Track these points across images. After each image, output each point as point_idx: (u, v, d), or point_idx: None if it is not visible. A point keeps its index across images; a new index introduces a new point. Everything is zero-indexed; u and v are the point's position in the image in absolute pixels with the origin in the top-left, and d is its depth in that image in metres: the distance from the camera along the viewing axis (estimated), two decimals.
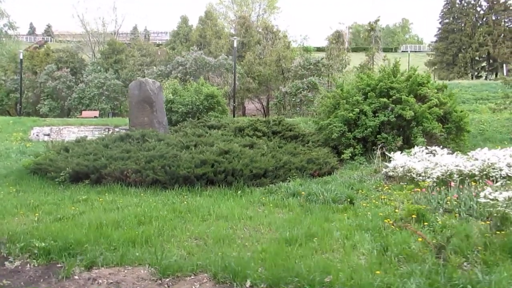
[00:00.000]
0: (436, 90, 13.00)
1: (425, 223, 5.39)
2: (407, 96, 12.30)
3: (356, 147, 12.36)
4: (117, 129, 20.58)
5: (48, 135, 21.22)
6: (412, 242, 4.80)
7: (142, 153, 10.13)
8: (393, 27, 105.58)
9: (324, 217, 6.41)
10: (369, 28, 34.31)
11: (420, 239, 4.68)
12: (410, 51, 68.86)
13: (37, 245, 5.10)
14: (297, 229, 5.74)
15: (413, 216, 5.48)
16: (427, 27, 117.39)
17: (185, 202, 7.69)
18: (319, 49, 38.40)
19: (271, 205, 7.39)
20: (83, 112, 30.58)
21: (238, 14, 42.82)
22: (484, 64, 52.24)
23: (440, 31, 55.41)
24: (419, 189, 7.28)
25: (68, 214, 6.86)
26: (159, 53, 34.69)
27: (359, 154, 12.27)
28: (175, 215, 6.81)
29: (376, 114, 12.51)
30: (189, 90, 18.67)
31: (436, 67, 53.53)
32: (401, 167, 8.53)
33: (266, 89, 30.65)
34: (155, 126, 14.65)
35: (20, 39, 53.04)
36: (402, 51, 78.28)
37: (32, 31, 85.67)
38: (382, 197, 7.47)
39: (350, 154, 12.03)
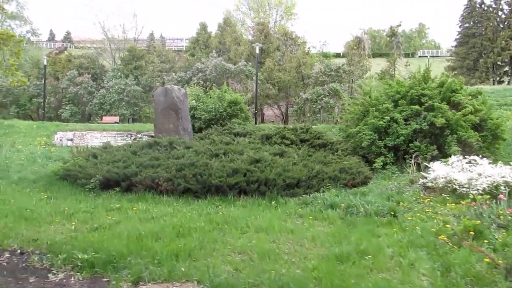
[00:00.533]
0: (470, 97, 12.61)
1: (485, 241, 5.08)
2: (440, 103, 11.95)
3: (387, 156, 12.03)
4: (139, 135, 20.64)
5: (71, 140, 21.38)
6: (475, 261, 4.51)
7: (172, 161, 10.00)
8: (409, 32, 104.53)
9: (370, 231, 6.14)
10: (390, 33, 33.85)
11: (487, 260, 4.38)
12: (424, 56, 68.03)
13: (80, 257, 4.96)
14: (345, 245, 5.50)
15: (471, 232, 5.17)
16: (444, 32, 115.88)
17: (221, 213, 7.50)
18: (337, 55, 38.06)
19: (310, 217, 7.15)
20: (103, 117, 30.81)
21: (256, 20, 42.80)
22: (506, 68, 51.14)
23: (460, 35, 54.58)
24: (464, 202, 6.96)
25: (104, 223, 6.73)
26: (177, 59, 34.82)
27: (390, 163, 11.92)
28: (212, 226, 6.62)
29: (408, 122, 12.17)
30: (212, 97, 18.58)
31: (456, 72, 52.48)
32: (443, 178, 8.20)
33: (285, 95, 30.44)
34: (181, 133, 14.57)
35: (40, 45, 54.01)
36: (419, 56, 77.26)
37: (51, 38, 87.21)
38: (426, 210, 7.17)
39: (381, 163, 11.70)
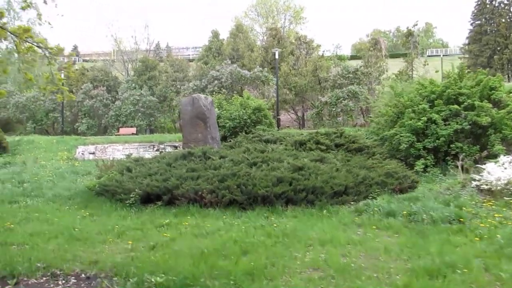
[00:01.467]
0: (511, 94, 12.23)
1: None
2: (480, 102, 11.58)
3: (427, 158, 11.69)
4: (161, 146, 20.45)
5: (93, 153, 21.25)
6: None
7: (211, 171, 9.73)
8: (416, 31, 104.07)
9: (445, 241, 5.80)
10: (407, 33, 33.45)
11: None
12: (436, 55, 67.29)
13: (153, 280, 4.68)
14: (426, 257, 5.17)
15: None
16: (450, 31, 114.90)
17: (275, 225, 7.20)
18: (352, 57, 37.69)
19: (374, 227, 6.82)
20: (120, 129, 30.71)
21: (266, 26, 42.67)
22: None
23: (472, 33, 53.96)
24: None
25: (160, 241, 6.47)
26: (190, 68, 34.73)
27: (431, 166, 11.58)
28: (273, 240, 6.33)
29: (447, 122, 11.82)
30: (234, 104, 18.34)
31: (469, 70, 51.78)
32: (504, 179, 7.83)
33: (301, 99, 30.15)
34: (209, 142, 14.31)
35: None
36: (428, 56, 76.60)
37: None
38: (495, 215, 6.80)
39: (422, 166, 11.35)
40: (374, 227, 6.85)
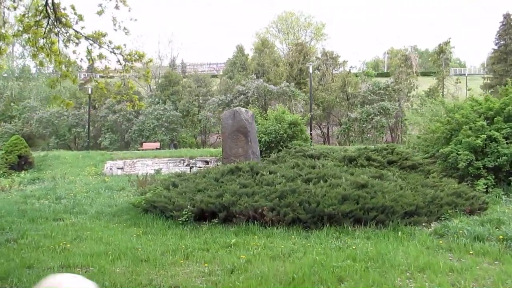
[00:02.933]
0: None
1: None
2: None
3: (488, 177, 11.02)
4: (192, 161, 20.02)
5: (122, 168, 20.92)
6: None
7: (267, 187, 9.21)
8: (433, 51, 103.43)
9: None
10: (438, 50, 32.95)
11: None
12: (454, 74, 66.42)
13: None
14: None
15: None
16: (467, 51, 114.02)
17: (353, 247, 6.62)
18: (379, 74, 37.20)
19: (467, 252, 6.19)
20: (143, 144, 30.48)
21: (287, 42, 42.57)
22: None
23: (497, 52, 53.15)
24: None
25: (235, 263, 5.93)
26: (213, 83, 34.60)
27: (492, 186, 10.91)
28: (361, 265, 5.74)
29: (509, 140, 11.18)
30: (269, 119, 17.90)
31: (492, 90, 50.95)
32: None
33: (328, 115, 29.64)
34: (250, 157, 13.87)
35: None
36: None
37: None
38: None
39: (485, 186, 10.68)
40: (467, 252, 6.22)
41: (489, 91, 51.25)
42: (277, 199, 8.59)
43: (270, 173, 10.47)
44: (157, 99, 33.26)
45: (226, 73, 34.01)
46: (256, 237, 7.46)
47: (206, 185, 10.06)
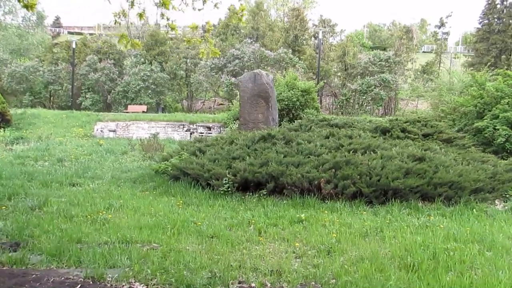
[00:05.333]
0: None
1: None
2: None
3: None
4: (193, 126, 18.86)
5: (114, 131, 19.51)
6: None
7: (314, 158, 8.39)
8: (411, 27, 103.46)
9: None
10: (439, 24, 32.42)
11: None
12: (430, 51, 66.77)
13: None
14: None
15: None
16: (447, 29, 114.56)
17: (440, 226, 5.96)
18: (376, 47, 36.40)
19: None
20: (129, 106, 28.71)
21: (282, 9, 40.82)
22: None
23: (480, 31, 53.47)
24: None
25: (325, 242, 5.15)
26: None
27: None
28: (471, 248, 5.07)
29: None
30: (279, 85, 16.88)
31: (472, 68, 51.60)
32: None
33: (324, 85, 28.81)
34: (270, 124, 12.96)
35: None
36: (423, 52, 76.41)
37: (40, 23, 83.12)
38: None
39: None
40: None
41: (470, 69, 52.16)
42: (331, 170, 7.81)
43: (307, 141, 9.65)
44: (142, 59, 31.25)
45: (218, 36, 32.27)
46: (325, 212, 6.67)
47: (240, 152, 9.12)
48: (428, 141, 10.95)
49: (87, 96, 30.14)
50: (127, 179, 9.48)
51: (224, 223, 6.08)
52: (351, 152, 8.82)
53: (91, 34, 45.17)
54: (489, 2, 53.56)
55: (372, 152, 8.72)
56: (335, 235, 5.36)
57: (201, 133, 18.28)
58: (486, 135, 11.25)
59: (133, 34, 35.80)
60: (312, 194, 7.50)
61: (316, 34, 29.84)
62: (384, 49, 29.05)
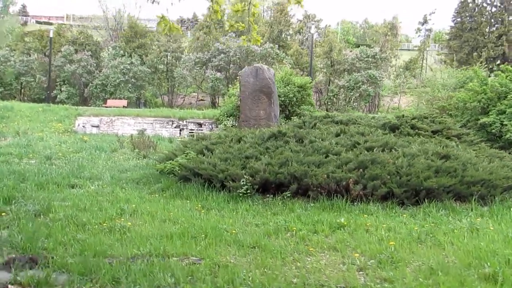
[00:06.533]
0: None
1: None
2: None
3: None
4: (183, 122, 18.06)
5: (97, 126, 18.45)
6: None
7: (333, 156, 7.93)
8: (381, 25, 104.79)
9: None
10: (422, 21, 32.67)
11: None
12: (400, 49, 68.04)
13: None
14: None
15: None
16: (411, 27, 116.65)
17: (491, 228, 5.60)
18: (358, 45, 36.29)
19: None
20: (108, 101, 27.46)
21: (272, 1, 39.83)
22: (498, 62, 52.00)
23: (453, 29, 54.72)
24: None
25: (382, 251, 4.66)
26: (184, 39, 31.86)
27: None
28: None
29: None
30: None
31: (445, 64, 52.82)
32: None
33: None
34: (272, 121, 12.44)
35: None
36: (400, 49, 77.50)
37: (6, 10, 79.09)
38: None
39: None
40: None
41: (444, 66, 53.38)
42: (358, 170, 7.36)
43: (318, 140, 9.18)
44: (121, 52, 29.94)
45: (201, 29, 31.30)
46: (364, 215, 6.20)
47: (253, 151, 8.55)
48: (438, 138, 10.71)
49: (62, 89, 28.64)
50: (128, 180, 8.72)
51: (258, 230, 5.51)
52: (368, 150, 8.43)
53: (60, 24, 43.17)
54: (462, 1, 55.05)
55: (391, 150, 8.34)
56: (393, 243, 4.88)
57: (192, 129, 17.51)
58: (493, 130, 11.14)
59: (111, 25, 34.38)
60: (340, 196, 7.02)
61: (301, 30, 29.46)
62: (368, 46, 28.95)
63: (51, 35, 25.99)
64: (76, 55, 28.89)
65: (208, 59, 26.71)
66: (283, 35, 30.17)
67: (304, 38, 29.60)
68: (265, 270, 4.18)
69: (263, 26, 30.73)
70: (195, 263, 4.31)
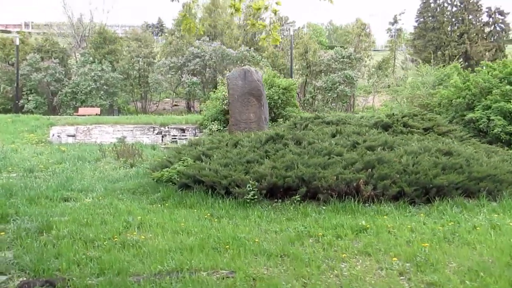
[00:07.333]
0: None
1: None
2: None
3: None
4: (165, 129, 17.54)
5: (73, 136, 17.64)
6: None
7: (337, 158, 7.81)
8: (346, 27, 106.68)
9: None
10: (392, 21, 33.34)
11: None
12: (374, 50, 69.60)
13: None
14: None
15: None
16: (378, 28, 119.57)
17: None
18: (331, 47, 36.69)
19: None
20: (79, 109, 26.40)
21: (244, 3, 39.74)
22: (460, 61, 53.98)
23: (417, 29, 56.45)
24: None
25: (416, 254, 4.52)
26: (155, 44, 31.18)
27: None
28: None
29: None
30: None
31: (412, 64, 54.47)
32: None
33: None
34: (263, 123, 12.28)
35: None
36: None
37: None
38: None
39: None
40: None
41: (415, 65, 54.99)
42: (366, 170, 7.25)
43: (311, 142, 9.05)
44: (91, 58, 28.90)
45: (172, 33, 30.72)
46: (384, 216, 6.07)
47: (254, 155, 8.30)
48: (430, 134, 10.83)
49: (29, 98, 27.25)
50: (123, 190, 8.28)
51: (279, 238, 5.28)
52: (369, 149, 8.37)
53: (18, 32, 41.36)
54: (424, 1, 56.98)
55: (391, 149, 8.32)
56: (426, 245, 4.75)
57: (174, 135, 17.04)
58: (480, 126, 11.38)
59: (77, 32, 33.21)
60: (351, 198, 6.88)
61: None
62: (342, 47, 29.30)
63: (17, 42, 24.79)
64: (43, 63, 27.63)
65: (183, 63, 26.23)
66: (256, 38, 30.04)
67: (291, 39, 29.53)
68: (305, 280, 3.96)
69: (236, 29, 30.59)
70: (228, 277, 4.03)
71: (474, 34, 51.72)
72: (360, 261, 4.51)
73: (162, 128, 17.39)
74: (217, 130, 14.88)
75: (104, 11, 38.63)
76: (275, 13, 4.53)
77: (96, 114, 25.43)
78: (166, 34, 33.25)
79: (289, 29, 23.16)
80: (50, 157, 13.08)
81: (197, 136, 16.15)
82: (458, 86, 12.75)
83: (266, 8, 4.48)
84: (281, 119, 15.24)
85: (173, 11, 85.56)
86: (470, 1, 53.19)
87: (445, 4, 55.23)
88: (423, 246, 4.71)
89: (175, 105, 33.50)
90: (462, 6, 54.20)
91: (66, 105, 27.64)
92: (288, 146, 8.73)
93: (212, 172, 7.75)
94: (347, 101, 24.45)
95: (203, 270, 4.21)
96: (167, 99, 34.43)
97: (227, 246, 4.89)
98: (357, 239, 5.19)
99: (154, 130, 17.39)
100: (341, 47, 29.52)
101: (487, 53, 50.33)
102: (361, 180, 6.96)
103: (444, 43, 52.78)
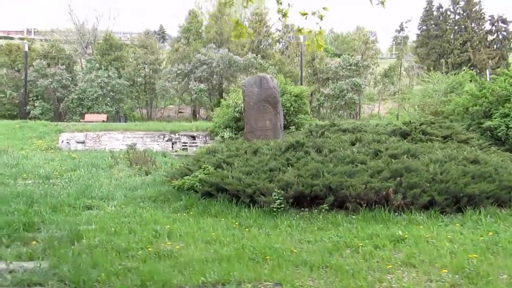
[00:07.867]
0: None
1: None
2: None
3: None
4: (175, 136, 17.44)
5: (83, 142, 17.52)
6: None
7: (362, 166, 7.69)
8: (346, 34, 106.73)
9: None
10: (399, 29, 33.42)
11: None
12: (380, 58, 69.89)
13: None
14: None
15: None
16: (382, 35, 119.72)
17: None
18: (336, 55, 36.72)
19: None
20: (86, 115, 26.33)
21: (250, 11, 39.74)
22: (464, 69, 54.10)
23: (420, 37, 56.67)
24: None
25: (464, 265, 4.39)
26: (161, 51, 31.18)
27: None
28: None
29: None
30: None
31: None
32: None
33: None
34: (279, 131, 12.11)
35: None
36: None
37: None
38: None
39: None
40: None
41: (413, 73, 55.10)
42: (394, 179, 7.13)
43: (333, 150, 8.95)
44: (97, 65, 28.89)
45: (178, 40, 30.72)
46: (419, 226, 5.95)
47: (276, 163, 8.19)
48: (449, 142, 10.73)
49: (36, 104, 27.20)
50: (144, 199, 8.14)
51: (316, 248, 5.16)
52: (392, 157, 8.26)
53: (21, 39, 41.43)
54: (427, 9, 57.27)
55: (416, 157, 8.21)
56: (475, 256, 4.62)
57: (185, 143, 16.93)
58: (499, 134, 11.28)
59: (84, 38, 33.26)
60: (380, 207, 6.75)
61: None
62: (349, 54, 29.31)
63: (26, 49, 24.78)
64: (49, 69, 27.60)
65: (190, 70, 26.19)
66: (262, 45, 30.06)
67: (284, 47, 29.58)
68: None
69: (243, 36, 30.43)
70: None
71: (477, 42, 52.13)
72: (406, 272, 4.38)
73: (173, 135, 17.29)
74: (229, 138, 14.78)
75: (110, 18, 38.87)
76: (321, 19, 4.43)
77: (103, 120, 25.36)
78: (171, 41, 33.24)
79: (299, 37, 23.06)
80: (62, 164, 12.94)
81: (208, 143, 16.04)
82: (474, 93, 12.67)
83: (313, 14, 4.38)
84: (293, 127, 15.14)
85: (173, 12, 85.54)
86: (473, 10, 53.83)
87: (448, 12, 55.72)
88: (471, 257, 4.57)
89: (180, 112, 33.47)
90: (465, 14, 54.65)
91: (72, 112, 27.56)
92: (309, 154, 8.61)
93: (236, 180, 7.63)
94: (355, 108, 24.35)
95: (247, 282, 4.09)
96: (171, 106, 34.40)
97: (266, 256, 4.75)
98: (396, 250, 5.07)
99: (164, 137, 17.29)
100: (348, 54, 29.51)
101: (490, 61, 50.68)
102: (391, 189, 6.84)
103: (447, 51, 53.10)
